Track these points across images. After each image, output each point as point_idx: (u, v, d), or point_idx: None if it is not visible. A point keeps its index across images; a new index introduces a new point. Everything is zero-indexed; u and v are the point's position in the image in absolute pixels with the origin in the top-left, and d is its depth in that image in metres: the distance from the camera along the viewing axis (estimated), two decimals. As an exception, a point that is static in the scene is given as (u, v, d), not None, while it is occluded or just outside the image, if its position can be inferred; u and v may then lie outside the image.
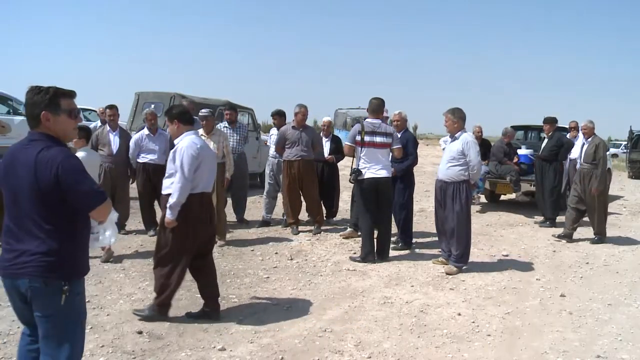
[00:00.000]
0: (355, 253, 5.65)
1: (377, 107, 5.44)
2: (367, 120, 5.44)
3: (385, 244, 5.54)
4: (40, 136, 2.09)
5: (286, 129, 6.62)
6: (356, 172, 5.36)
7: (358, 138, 5.33)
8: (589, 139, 6.77)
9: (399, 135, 5.77)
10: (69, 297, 2.10)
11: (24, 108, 10.56)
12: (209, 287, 3.84)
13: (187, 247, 3.65)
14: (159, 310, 3.68)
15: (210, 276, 3.87)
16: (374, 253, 5.43)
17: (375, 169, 5.31)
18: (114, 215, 2.45)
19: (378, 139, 5.32)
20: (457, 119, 5.11)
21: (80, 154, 5.73)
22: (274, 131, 7.19)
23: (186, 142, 3.62)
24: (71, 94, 2.18)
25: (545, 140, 8.03)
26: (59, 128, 2.12)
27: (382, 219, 5.52)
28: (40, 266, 2.04)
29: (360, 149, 5.35)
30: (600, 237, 6.76)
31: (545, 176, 7.86)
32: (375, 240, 5.49)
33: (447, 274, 5.04)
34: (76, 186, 2.04)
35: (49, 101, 2.09)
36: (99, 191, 2.12)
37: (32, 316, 2.13)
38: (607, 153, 11.82)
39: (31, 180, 2.02)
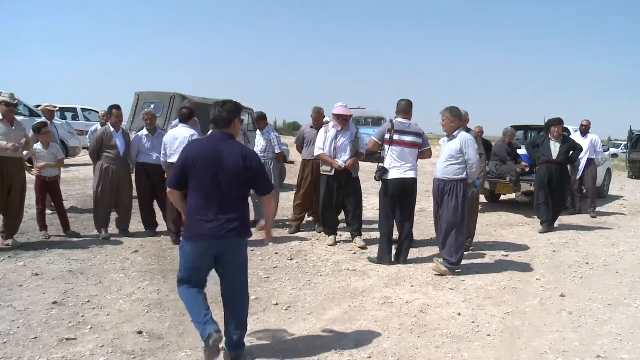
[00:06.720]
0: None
1: (405, 107, 5.36)
2: (397, 119, 5.37)
3: (405, 246, 5.42)
4: (231, 136, 3.03)
5: (304, 128, 6.87)
6: (382, 171, 5.26)
7: (387, 136, 5.28)
8: None
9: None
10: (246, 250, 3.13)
11: (24, 108, 10.60)
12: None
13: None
14: None
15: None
16: (391, 255, 5.38)
17: (403, 169, 5.23)
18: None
19: (408, 139, 5.26)
20: (454, 118, 5.11)
21: (37, 147, 5.86)
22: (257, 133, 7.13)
23: None
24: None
25: (552, 142, 7.60)
26: (236, 131, 3.10)
27: (403, 220, 5.40)
28: (242, 226, 2.96)
29: (388, 147, 5.28)
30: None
31: (558, 180, 7.51)
32: (395, 241, 5.43)
33: (435, 272, 5.02)
34: (264, 175, 3.07)
35: (238, 112, 3.08)
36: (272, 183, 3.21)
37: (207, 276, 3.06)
38: (607, 153, 11.86)
39: (239, 166, 2.91)
